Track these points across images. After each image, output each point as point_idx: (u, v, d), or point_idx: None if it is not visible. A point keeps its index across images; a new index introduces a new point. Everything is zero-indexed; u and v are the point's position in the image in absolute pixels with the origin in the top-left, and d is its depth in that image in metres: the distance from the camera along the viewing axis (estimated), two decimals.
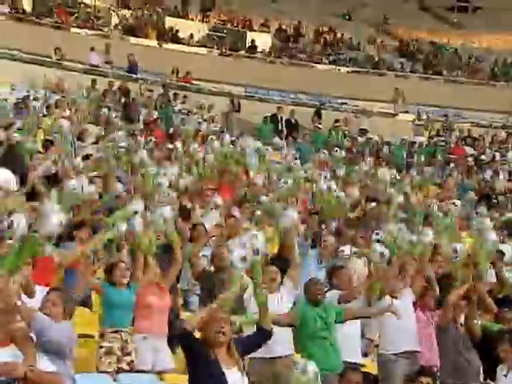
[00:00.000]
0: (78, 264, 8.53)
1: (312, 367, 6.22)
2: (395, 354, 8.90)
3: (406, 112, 29.65)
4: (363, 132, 25.61)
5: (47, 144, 14.78)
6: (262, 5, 36.24)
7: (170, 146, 16.89)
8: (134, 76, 26.53)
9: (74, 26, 29.47)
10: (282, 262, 9.86)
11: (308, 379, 6.26)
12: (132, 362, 8.07)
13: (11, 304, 6.06)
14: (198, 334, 6.19)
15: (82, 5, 31.10)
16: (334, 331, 8.41)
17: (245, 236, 6.82)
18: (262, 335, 6.47)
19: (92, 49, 26.93)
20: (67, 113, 18.44)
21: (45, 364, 5.45)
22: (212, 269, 9.44)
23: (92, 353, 8.30)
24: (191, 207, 12.07)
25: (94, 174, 12.30)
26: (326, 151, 18.51)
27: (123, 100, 22.99)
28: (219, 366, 5.87)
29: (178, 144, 16.56)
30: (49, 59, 25.98)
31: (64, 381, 5.79)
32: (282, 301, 8.52)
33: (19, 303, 6.20)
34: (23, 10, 29.04)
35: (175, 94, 24.93)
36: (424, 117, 28.30)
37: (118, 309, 8.12)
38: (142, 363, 8.21)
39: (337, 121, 25.19)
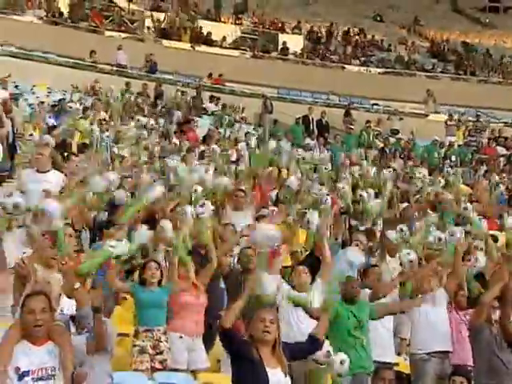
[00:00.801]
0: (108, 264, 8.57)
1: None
2: (427, 354, 8.86)
3: (438, 112, 29.51)
4: (395, 132, 25.55)
5: (83, 146, 14.92)
6: (293, 7, 36.25)
7: (203, 147, 16.99)
8: (169, 78, 26.62)
9: (108, 30, 29.62)
10: (314, 260, 9.86)
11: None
12: (165, 360, 8.10)
13: (71, 285, 6.17)
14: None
15: (117, 8, 31.23)
16: (367, 331, 8.40)
17: None
18: (313, 344, 6.45)
19: (119, 48, 27.13)
20: (102, 115, 18.54)
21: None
22: (239, 268, 9.40)
23: (127, 351, 8.35)
24: (223, 207, 12.06)
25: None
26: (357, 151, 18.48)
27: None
28: (263, 365, 5.84)
29: (213, 145, 16.59)
30: (84, 62, 26.14)
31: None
32: (313, 300, 8.49)
33: (77, 285, 6.29)
34: (59, 13, 29.24)
35: (212, 97, 24.95)
36: (456, 117, 28.15)
37: (150, 308, 8.16)
38: (178, 362, 8.25)
39: (368, 121, 25.11)
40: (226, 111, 24.07)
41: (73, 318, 6.73)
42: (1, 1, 28.13)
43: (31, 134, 14.35)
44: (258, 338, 5.90)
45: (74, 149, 14.51)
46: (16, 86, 20.79)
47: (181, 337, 8.33)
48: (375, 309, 8.50)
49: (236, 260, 9.52)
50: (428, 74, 33.36)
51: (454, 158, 24.04)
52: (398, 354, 9.97)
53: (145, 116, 20.15)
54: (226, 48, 31.40)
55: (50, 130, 15.91)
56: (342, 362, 7.25)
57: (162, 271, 8.35)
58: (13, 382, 5.29)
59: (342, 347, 8.19)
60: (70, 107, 18.30)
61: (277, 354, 5.92)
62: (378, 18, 38.50)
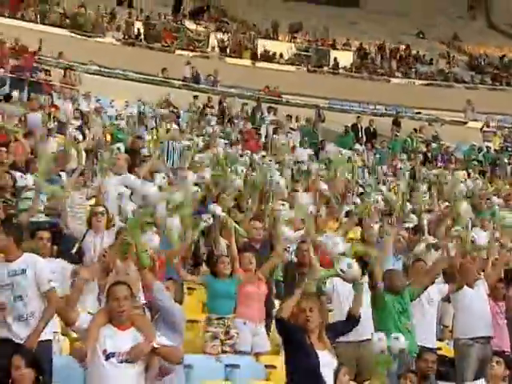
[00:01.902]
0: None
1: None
2: (471, 339, 8.79)
3: (476, 120, 29.17)
4: (436, 138, 25.36)
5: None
6: (343, 26, 36.13)
7: (264, 153, 17.05)
8: (233, 92, 26.71)
9: (178, 49, 29.86)
10: (363, 263, 9.81)
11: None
12: (234, 344, 8.16)
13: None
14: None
15: (185, 30, 31.49)
16: (411, 317, 8.38)
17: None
18: (351, 322, 6.49)
19: (188, 63, 27.26)
20: (173, 125, 18.64)
21: (163, 341, 5.54)
22: (295, 261, 9.37)
23: (196, 336, 8.41)
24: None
25: None
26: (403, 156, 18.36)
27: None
28: (313, 348, 5.86)
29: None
30: (157, 78, 26.39)
31: (181, 352, 5.86)
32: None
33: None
34: (135, 35, 29.60)
35: (269, 107, 25.01)
36: (492, 124, 27.83)
37: (221, 298, 8.22)
38: (242, 345, 8.29)
39: (415, 130, 25.02)
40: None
41: (147, 304, 6.80)
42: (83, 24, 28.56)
43: (111, 143, 14.53)
44: (302, 327, 5.92)
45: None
46: (97, 100, 21.05)
47: (244, 323, 8.37)
48: (415, 291, 8.48)
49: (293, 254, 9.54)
50: (466, 85, 32.97)
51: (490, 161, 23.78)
52: (441, 340, 9.90)
53: (211, 126, 20.23)
54: (282, 64, 31.43)
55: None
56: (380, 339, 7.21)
57: (233, 264, 8.43)
58: (101, 361, 5.37)
59: (391, 333, 8.18)
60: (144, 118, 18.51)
61: (322, 338, 5.94)
62: (421, 35, 38.15)
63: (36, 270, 6.39)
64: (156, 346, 5.36)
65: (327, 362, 5.87)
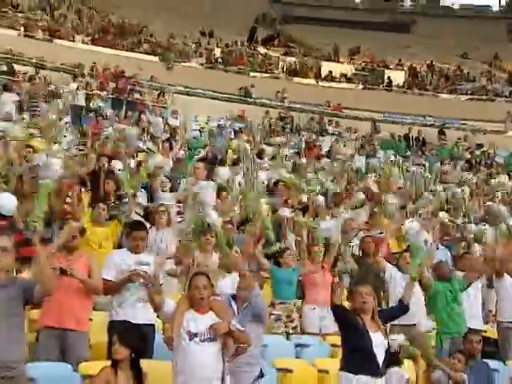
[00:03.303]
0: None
1: None
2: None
3: None
4: (480, 146, 24.89)
5: (235, 160, 15.06)
6: (396, 48, 35.75)
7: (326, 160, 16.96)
8: (299, 107, 26.61)
9: (251, 71, 29.93)
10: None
11: None
12: (296, 327, 8.12)
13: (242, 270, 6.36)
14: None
15: (258, 54, 31.60)
16: (461, 302, 8.23)
17: None
18: (401, 309, 6.38)
19: (252, 86, 27.23)
20: (246, 137, 18.71)
21: (237, 326, 5.52)
22: (360, 254, 9.33)
23: (268, 319, 8.34)
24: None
25: None
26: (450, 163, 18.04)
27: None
28: (366, 329, 5.81)
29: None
30: (234, 96, 26.54)
31: (251, 338, 5.81)
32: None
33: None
34: (215, 60, 29.85)
35: (330, 121, 24.93)
36: None
37: (284, 285, 8.20)
38: (311, 327, 8.25)
39: (459, 138, 24.59)
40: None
41: (233, 296, 6.70)
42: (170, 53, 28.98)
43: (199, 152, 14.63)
44: (358, 308, 5.87)
45: (229, 163, 14.64)
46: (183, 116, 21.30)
47: (313, 308, 8.32)
48: (463, 284, 8.38)
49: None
50: (506, 99, 32.20)
51: None
52: (486, 323, 9.66)
53: (280, 136, 20.24)
54: (343, 82, 31.25)
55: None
56: None
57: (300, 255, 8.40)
58: (186, 341, 5.44)
59: (443, 317, 8.05)
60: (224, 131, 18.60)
61: (375, 321, 5.87)
62: (465, 56, 37.48)
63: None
64: (231, 328, 5.37)
65: (380, 342, 5.79)
